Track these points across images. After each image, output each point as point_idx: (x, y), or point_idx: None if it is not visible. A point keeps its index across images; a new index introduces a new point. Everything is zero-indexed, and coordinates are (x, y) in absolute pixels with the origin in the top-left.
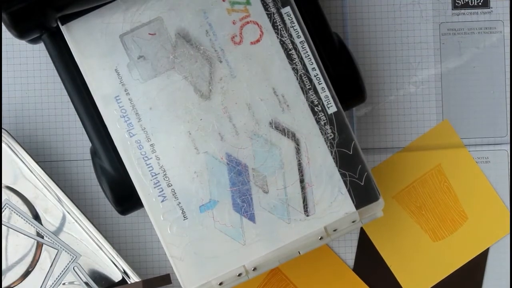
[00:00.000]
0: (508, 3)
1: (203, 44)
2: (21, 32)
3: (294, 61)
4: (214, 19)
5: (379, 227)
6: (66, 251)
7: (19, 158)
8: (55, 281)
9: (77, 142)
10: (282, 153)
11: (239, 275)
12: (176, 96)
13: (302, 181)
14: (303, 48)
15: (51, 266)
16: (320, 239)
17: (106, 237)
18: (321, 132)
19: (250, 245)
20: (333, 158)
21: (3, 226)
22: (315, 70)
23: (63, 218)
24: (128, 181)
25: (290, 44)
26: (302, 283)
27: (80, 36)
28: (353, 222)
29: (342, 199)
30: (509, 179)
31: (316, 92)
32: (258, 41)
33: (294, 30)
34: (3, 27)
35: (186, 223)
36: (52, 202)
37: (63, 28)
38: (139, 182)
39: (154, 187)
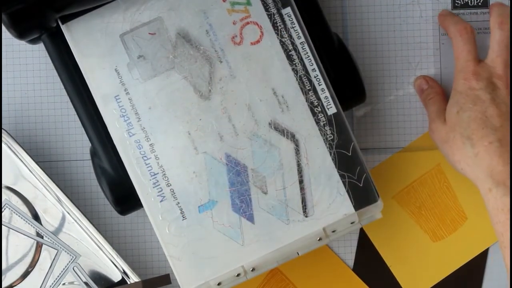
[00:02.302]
0: (507, 3)
1: (203, 44)
2: (20, 32)
3: (294, 62)
4: (214, 19)
5: (378, 227)
6: (65, 251)
7: (19, 158)
8: (54, 281)
9: (77, 142)
10: (281, 154)
11: (238, 275)
12: (175, 96)
13: (301, 182)
14: (303, 49)
15: (50, 266)
16: (319, 240)
17: (105, 237)
18: (320, 133)
19: (248, 246)
20: (332, 159)
21: (3, 226)
22: (315, 71)
23: (63, 218)
24: (127, 181)
25: (290, 45)
26: (302, 283)
27: (80, 36)
28: (352, 223)
29: (341, 201)
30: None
31: (316, 93)
32: (258, 41)
33: (295, 31)
34: (3, 27)
35: (185, 223)
36: (52, 202)
37: (63, 27)
38: (138, 182)
39: (153, 187)
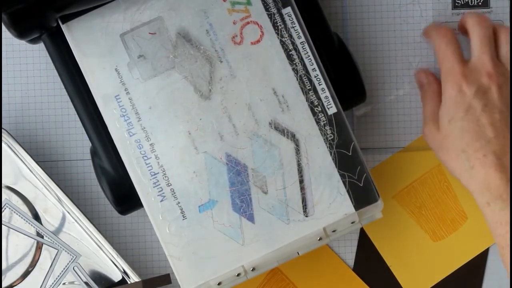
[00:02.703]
0: (508, 3)
1: (203, 44)
2: (21, 32)
3: (294, 62)
4: (214, 19)
5: (379, 227)
6: (66, 251)
7: (19, 158)
8: (55, 281)
9: (77, 142)
10: (281, 154)
11: (238, 275)
12: (176, 96)
13: (301, 181)
14: (303, 48)
15: (51, 266)
16: (319, 239)
17: (106, 237)
18: (320, 132)
19: (249, 245)
20: (333, 159)
21: (3, 226)
22: (315, 70)
23: (63, 218)
24: (128, 181)
25: (291, 45)
26: (302, 283)
27: (80, 35)
28: (352, 223)
29: (341, 200)
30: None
31: (316, 92)
32: (258, 41)
33: (295, 30)
34: (3, 27)
35: (185, 222)
36: (52, 202)
37: (63, 27)
38: (139, 182)
39: (154, 187)
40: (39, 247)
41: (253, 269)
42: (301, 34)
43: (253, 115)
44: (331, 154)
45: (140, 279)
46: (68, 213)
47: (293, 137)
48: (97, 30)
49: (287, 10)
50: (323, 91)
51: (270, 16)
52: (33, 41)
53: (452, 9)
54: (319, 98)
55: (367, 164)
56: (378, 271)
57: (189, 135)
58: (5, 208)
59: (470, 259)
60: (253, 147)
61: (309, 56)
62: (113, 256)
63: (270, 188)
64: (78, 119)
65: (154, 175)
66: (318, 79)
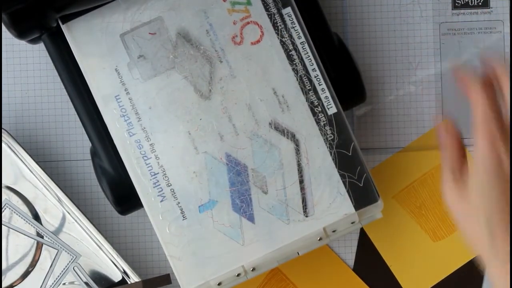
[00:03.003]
0: (508, 3)
1: (203, 44)
2: (21, 32)
3: (294, 62)
4: (214, 19)
5: (379, 227)
6: (66, 251)
7: (19, 158)
8: (55, 281)
9: (77, 142)
10: (281, 154)
11: (238, 275)
12: (176, 96)
13: (301, 181)
14: (303, 48)
15: (51, 266)
16: (319, 240)
17: (106, 237)
18: (320, 133)
19: (249, 246)
20: (333, 159)
21: (3, 226)
22: (316, 71)
23: (63, 218)
24: (128, 181)
25: (291, 45)
26: (302, 283)
27: (80, 35)
28: (352, 223)
29: (341, 200)
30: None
31: (316, 93)
32: (258, 41)
33: (295, 30)
34: (3, 27)
35: (185, 223)
36: (52, 202)
37: (63, 27)
38: (139, 182)
39: (154, 187)
40: (39, 247)
41: (253, 269)
42: (301, 34)
43: (253, 115)
44: (331, 154)
45: (140, 279)
46: (68, 213)
47: (293, 137)
48: (97, 30)
49: (287, 10)
50: (323, 91)
51: (270, 16)
52: (33, 41)
53: (452, 9)
54: (319, 98)
55: (367, 164)
56: (378, 271)
57: (189, 135)
58: (5, 208)
59: (470, 259)
60: (253, 147)
61: (309, 56)
62: (113, 256)
63: (270, 188)
64: (78, 119)
65: (154, 175)
66: (318, 79)
